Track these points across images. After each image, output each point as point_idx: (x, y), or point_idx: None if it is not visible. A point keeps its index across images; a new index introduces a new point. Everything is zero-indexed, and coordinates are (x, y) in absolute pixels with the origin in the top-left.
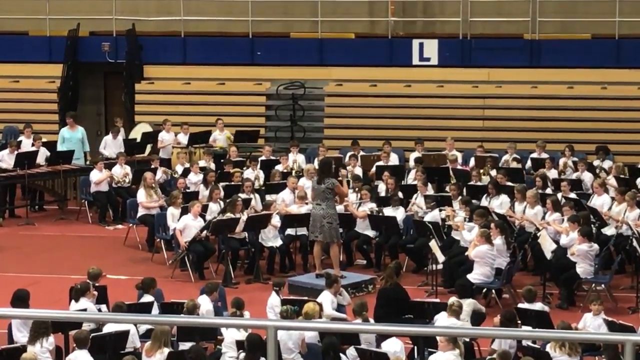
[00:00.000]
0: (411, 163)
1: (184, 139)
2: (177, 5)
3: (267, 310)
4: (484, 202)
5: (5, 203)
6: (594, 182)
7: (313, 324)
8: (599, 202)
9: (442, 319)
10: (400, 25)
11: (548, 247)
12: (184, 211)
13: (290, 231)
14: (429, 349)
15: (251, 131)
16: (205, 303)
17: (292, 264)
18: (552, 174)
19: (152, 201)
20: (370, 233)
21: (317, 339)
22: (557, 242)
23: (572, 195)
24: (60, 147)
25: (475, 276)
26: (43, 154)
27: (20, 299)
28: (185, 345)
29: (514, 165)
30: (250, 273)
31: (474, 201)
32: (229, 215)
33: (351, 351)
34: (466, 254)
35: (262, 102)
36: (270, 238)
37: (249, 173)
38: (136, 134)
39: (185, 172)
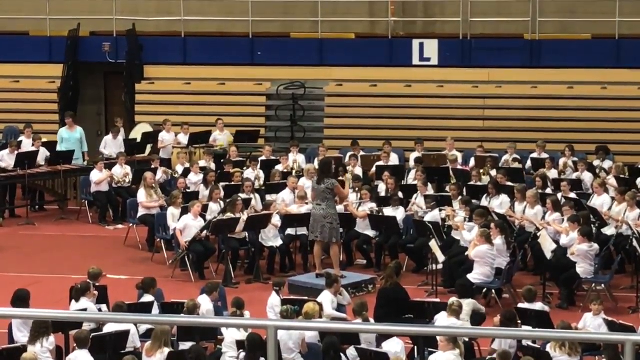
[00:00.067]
0: (411, 163)
1: (184, 139)
2: (177, 5)
3: (268, 310)
4: (484, 202)
5: (6, 203)
6: (594, 182)
7: (313, 324)
8: (599, 202)
9: (442, 319)
10: (400, 26)
11: (548, 247)
12: (184, 211)
13: (290, 231)
14: (429, 349)
15: (251, 131)
16: (205, 303)
17: (293, 264)
18: (552, 174)
19: (152, 201)
20: (371, 233)
21: (318, 338)
22: (557, 242)
23: (572, 195)
24: (59, 147)
25: (475, 276)
26: (43, 154)
27: (21, 299)
28: (185, 345)
29: (514, 165)
30: (250, 273)
31: (474, 201)
32: (229, 215)
33: (351, 351)
34: (466, 254)
35: (263, 102)
36: (271, 238)
37: (249, 173)
38: (136, 134)
39: (186, 172)
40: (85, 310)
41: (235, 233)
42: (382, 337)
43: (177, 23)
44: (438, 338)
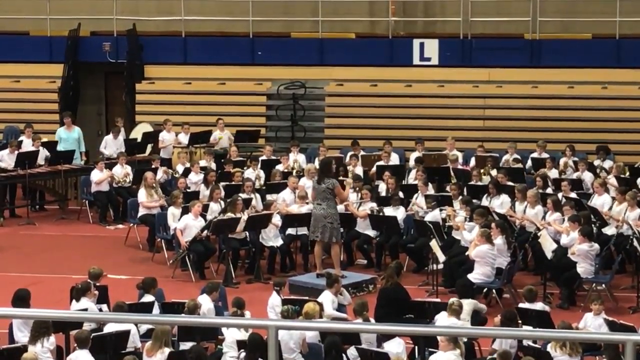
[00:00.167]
0: (412, 163)
1: (184, 138)
2: (177, 5)
3: (268, 310)
4: (485, 202)
5: (6, 203)
6: (595, 181)
7: (314, 324)
8: (600, 201)
9: (443, 319)
10: (400, 25)
11: (548, 246)
12: (185, 211)
13: (290, 231)
14: (430, 349)
15: (252, 131)
16: (206, 303)
17: (293, 264)
18: (553, 173)
19: (152, 201)
20: (371, 233)
21: (318, 338)
22: (557, 241)
23: (573, 195)
24: (57, 147)
25: (475, 276)
26: (43, 154)
27: (21, 299)
28: (186, 345)
29: (515, 165)
30: (250, 273)
31: (474, 201)
32: (229, 215)
33: (352, 351)
34: (467, 253)
35: (263, 102)
36: (271, 238)
37: (249, 173)
38: (137, 133)
39: (186, 172)
40: (85, 310)
41: (236, 233)
42: (383, 337)
43: (177, 23)
44: (438, 338)
